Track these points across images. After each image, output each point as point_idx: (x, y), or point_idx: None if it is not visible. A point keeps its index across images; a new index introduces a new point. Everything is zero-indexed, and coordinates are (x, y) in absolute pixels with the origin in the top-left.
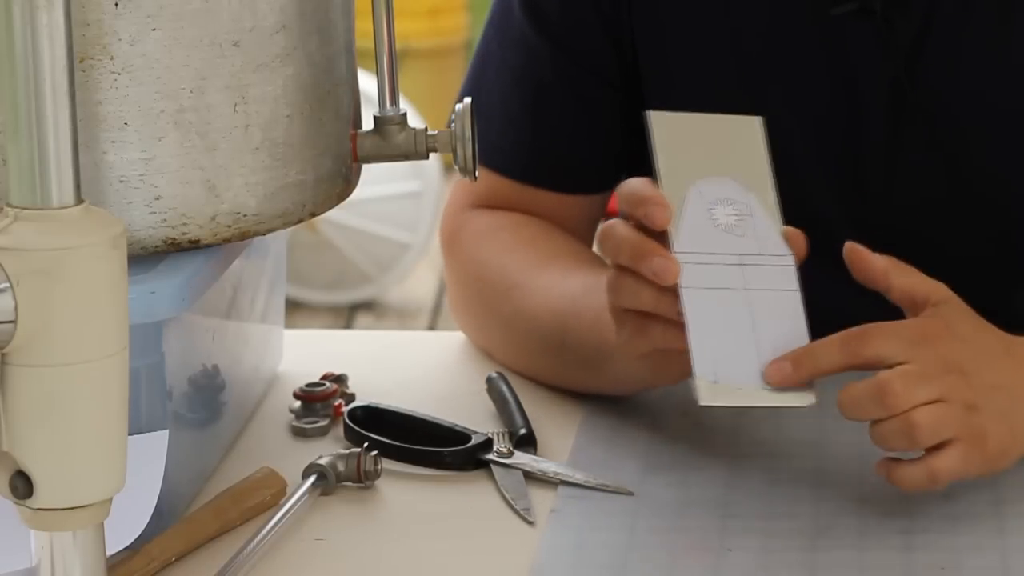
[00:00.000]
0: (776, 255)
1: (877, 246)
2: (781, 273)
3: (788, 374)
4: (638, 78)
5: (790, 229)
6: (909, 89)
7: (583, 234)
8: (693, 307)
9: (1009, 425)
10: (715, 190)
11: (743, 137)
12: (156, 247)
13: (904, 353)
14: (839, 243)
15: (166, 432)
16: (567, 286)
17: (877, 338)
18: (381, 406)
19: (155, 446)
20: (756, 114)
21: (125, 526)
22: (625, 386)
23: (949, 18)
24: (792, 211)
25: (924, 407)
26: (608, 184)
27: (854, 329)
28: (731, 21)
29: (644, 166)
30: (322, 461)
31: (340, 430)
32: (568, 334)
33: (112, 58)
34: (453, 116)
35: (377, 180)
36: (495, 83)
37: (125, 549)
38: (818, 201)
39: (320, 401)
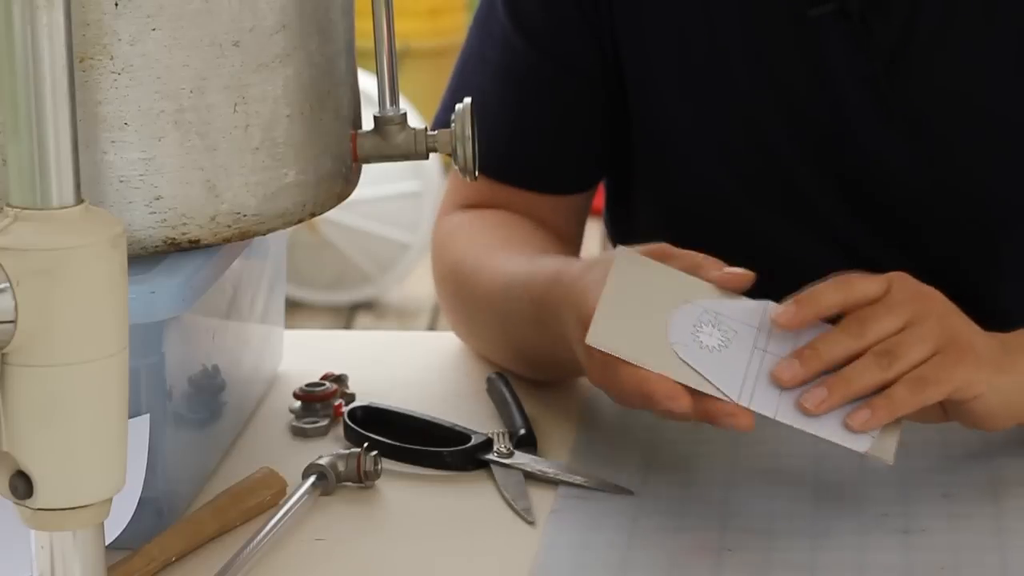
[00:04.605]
0: (755, 326)
1: (861, 242)
2: (780, 336)
3: (793, 314)
4: (621, 78)
5: (734, 277)
6: (888, 90)
7: (566, 233)
8: (784, 417)
9: (998, 340)
10: (678, 331)
11: (630, 271)
12: (156, 247)
13: (880, 287)
14: (830, 228)
15: (147, 416)
16: (508, 271)
17: (858, 276)
18: (381, 406)
19: (137, 433)
20: (736, 112)
21: (111, 519)
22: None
23: (932, 19)
24: (778, 202)
25: (896, 336)
26: (589, 184)
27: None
28: (710, 20)
29: (625, 166)
30: (322, 461)
31: (340, 430)
32: (514, 323)
33: (112, 58)
34: (453, 116)
35: (377, 180)
36: (477, 81)
37: (125, 549)
38: (801, 192)
39: (320, 401)
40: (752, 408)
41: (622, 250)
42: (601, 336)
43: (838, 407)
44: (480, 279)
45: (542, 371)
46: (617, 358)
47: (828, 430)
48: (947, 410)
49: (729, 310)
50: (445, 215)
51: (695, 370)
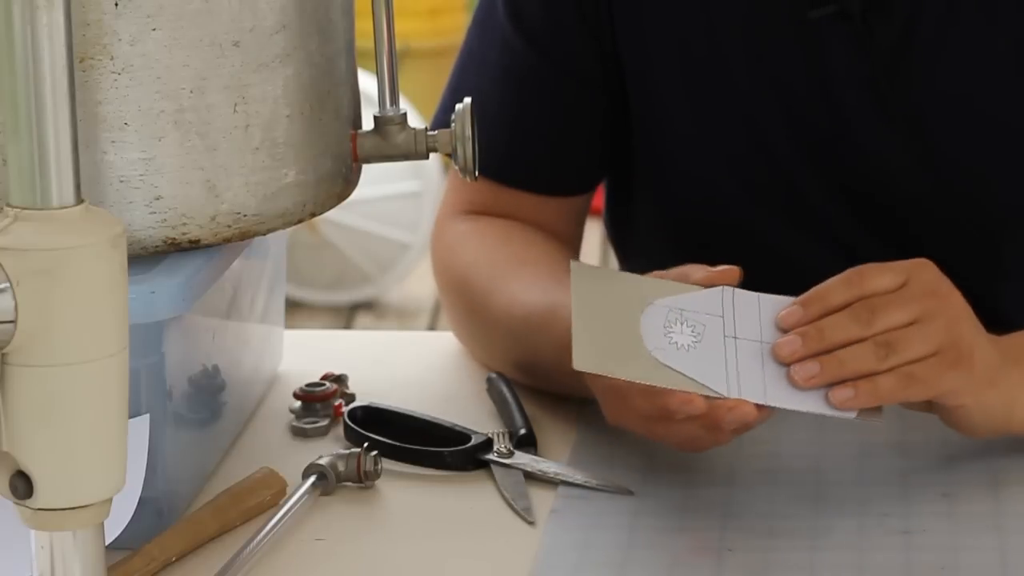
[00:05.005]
0: (719, 315)
1: (861, 243)
2: (753, 314)
3: (799, 317)
4: (621, 79)
5: (704, 275)
6: (889, 91)
7: (565, 235)
8: (773, 400)
9: (1001, 351)
10: (651, 336)
11: (588, 284)
12: (156, 247)
13: (896, 279)
14: (830, 229)
15: (147, 416)
16: (528, 299)
17: (873, 270)
18: (381, 406)
19: (137, 433)
20: (737, 113)
21: (111, 519)
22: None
23: (933, 21)
24: (778, 203)
25: (900, 330)
26: (589, 186)
27: (853, 268)
28: (710, 22)
29: (625, 167)
30: (322, 461)
31: (340, 430)
32: (532, 356)
33: (112, 58)
34: (453, 116)
35: (377, 180)
36: (476, 82)
37: (125, 549)
38: (801, 193)
39: (320, 401)
40: (743, 397)
41: (574, 264)
42: (584, 359)
43: (824, 386)
44: (493, 303)
45: (553, 388)
46: (623, 395)
47: (814, 405)
48: (931, 405)
49: (690, 304)
50: (446, 218)
51: (681, 373)
